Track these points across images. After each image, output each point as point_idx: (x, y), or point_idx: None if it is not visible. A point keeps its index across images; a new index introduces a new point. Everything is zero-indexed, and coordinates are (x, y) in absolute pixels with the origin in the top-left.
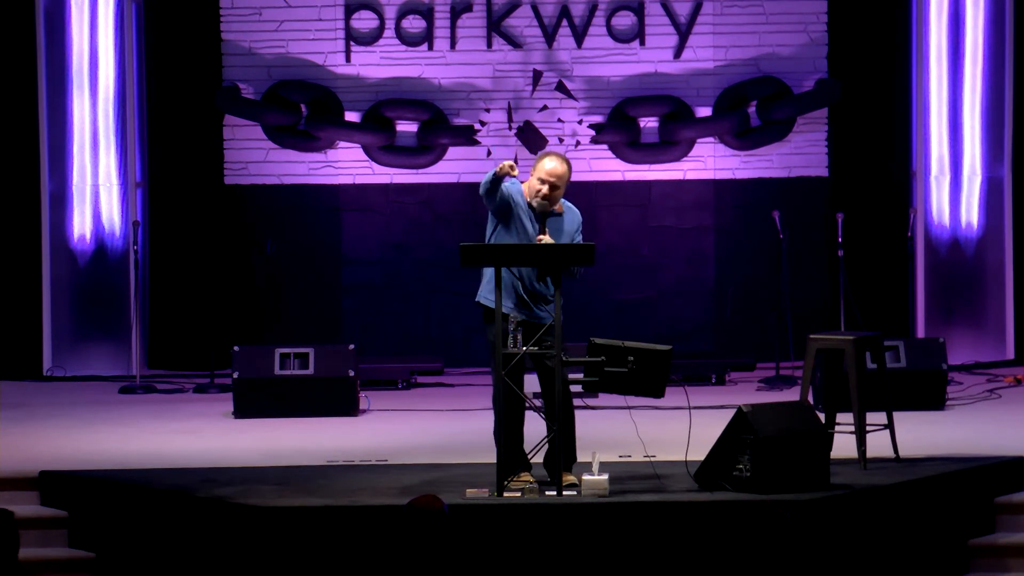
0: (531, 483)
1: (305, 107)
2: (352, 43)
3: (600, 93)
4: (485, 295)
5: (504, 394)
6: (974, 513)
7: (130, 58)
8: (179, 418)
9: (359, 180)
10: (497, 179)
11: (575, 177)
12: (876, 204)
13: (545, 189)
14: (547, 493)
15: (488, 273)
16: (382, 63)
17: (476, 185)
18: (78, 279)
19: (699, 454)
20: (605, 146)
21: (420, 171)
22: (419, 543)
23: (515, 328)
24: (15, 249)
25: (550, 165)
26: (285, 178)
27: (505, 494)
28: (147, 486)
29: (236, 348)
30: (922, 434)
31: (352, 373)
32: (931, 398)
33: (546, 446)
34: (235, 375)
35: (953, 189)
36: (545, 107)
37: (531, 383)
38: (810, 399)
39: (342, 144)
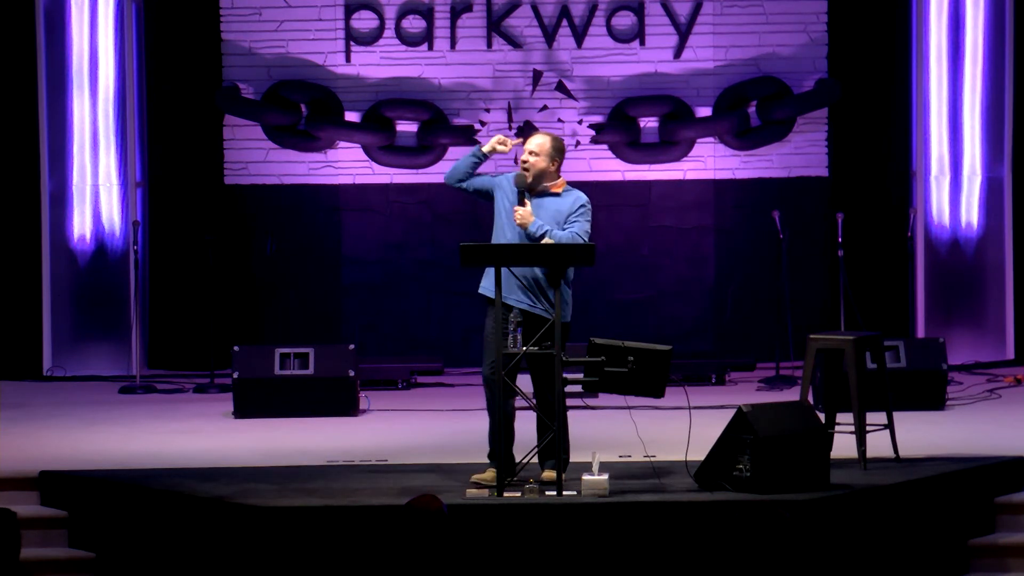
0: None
1: (305, 107)
2: (352, 43)
3: (600, 93)
4: (486, 285)
5: (497, 391)
6: (974, 513)
7: (130, 58)
8: (179, 418)
9: (359, 180)
10: (474, 162)
11: (575, 177)
12: (876, 204)
13: (522, 158)
14: (547, 493)
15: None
16: (382, 63)
17: None
18: (78, 279)
19: (699, 454)
20: (605, 146)
21: (420, 171)
22: (419, 543)
23: (515, 328)
24: (15, 249)
25: (531, 138)
26: (285, 178)
27: (506, 493)
28: (147, 486)
29: (236, 348)
30: (922, 434)
31: (352, 373)
32: (931, 398)
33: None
34: (235, 375)
35: (953, 189)
36: (545, 107)
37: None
38: (810, 399)
39: (342, 144)
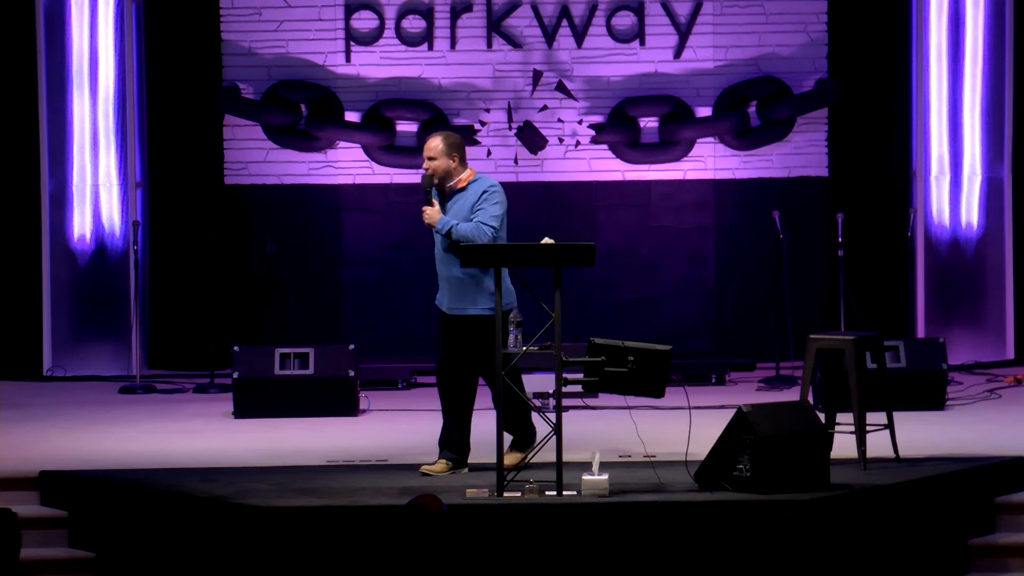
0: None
1: (305, 107)
2: (352, 43)
3: (600, 93)
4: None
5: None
6: (974, 513)
7: (130, 58)
8: (179, 418)
9: (359, 180)
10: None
11: (576, 177)
12: (876, 204)
13: (426, 163)
14: (547, 493)
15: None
16: (382, 63)
17: None
18: (78, 279)
19: (699, 454)
20: (605, 146)
21: (420, 171)
22: (419, 543)
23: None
24: (15, 249)
25: (425, 143)
26: (285, 178)
27: (506, 493)
28: (147, 486)
29: (236, 348)
30: (922, 434)
31: (352, 373)
32: (931, 398)
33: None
34: (235, 375)
35: (953, 189)
36: (545, 107)
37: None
38: (810, 399)
39: (342, 144)
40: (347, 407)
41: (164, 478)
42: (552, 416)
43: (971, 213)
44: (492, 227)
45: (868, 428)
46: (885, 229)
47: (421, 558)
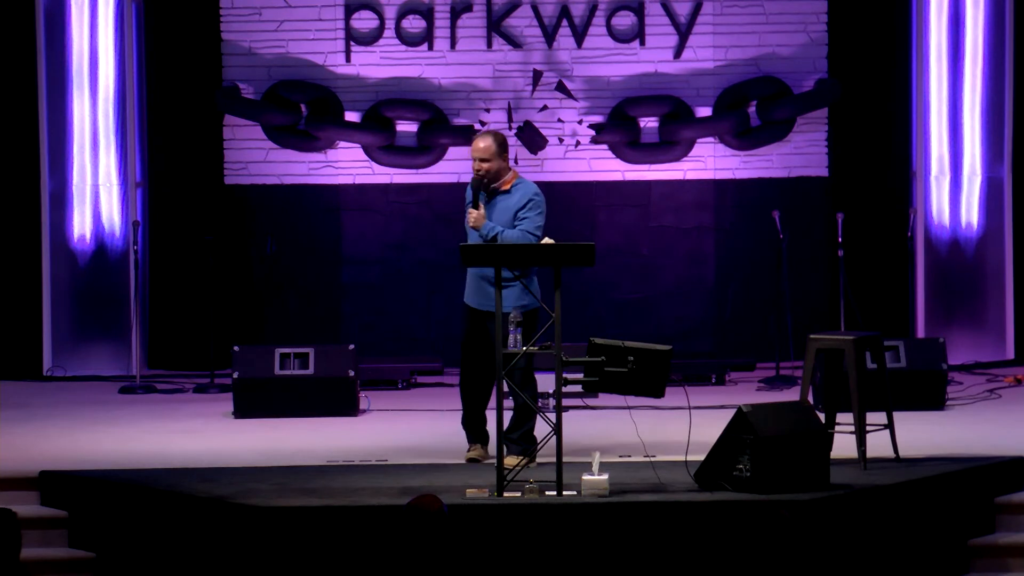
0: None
1: (305, 107)
2: (352, 43)
3: (600, 93)
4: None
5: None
6: (974, 513)
7: (130, 58)
8: (179, 418)
9: (359, 180)
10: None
11: (576, 177)
12: (876, 204)
13: (474, 166)
14: (547, 493)
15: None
16: (382, 63)
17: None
18: (78, 279)
19: (699, 454)
20: (605, 146)
21: (420, 171)
22: (419, 543)
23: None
24: (15, 249)
25: (475, 144)
26: (285, 178)
27: (506, 493)
28: (147, 486)
29: (236, 348)
30: (922, 434)
31: (352, 373)
32: (931, 398)
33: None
34: (235, 375)
35: (953, 189)
36: (545, 107)
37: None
38: (810, 399)
39: (342, 144)
40: (347, 407)
41: (164, 478)
42: (552, 416)
43: (971, 213)
44: (536, 237)
45: (868, 428)
46: (885, 229)
47: (421, 558)
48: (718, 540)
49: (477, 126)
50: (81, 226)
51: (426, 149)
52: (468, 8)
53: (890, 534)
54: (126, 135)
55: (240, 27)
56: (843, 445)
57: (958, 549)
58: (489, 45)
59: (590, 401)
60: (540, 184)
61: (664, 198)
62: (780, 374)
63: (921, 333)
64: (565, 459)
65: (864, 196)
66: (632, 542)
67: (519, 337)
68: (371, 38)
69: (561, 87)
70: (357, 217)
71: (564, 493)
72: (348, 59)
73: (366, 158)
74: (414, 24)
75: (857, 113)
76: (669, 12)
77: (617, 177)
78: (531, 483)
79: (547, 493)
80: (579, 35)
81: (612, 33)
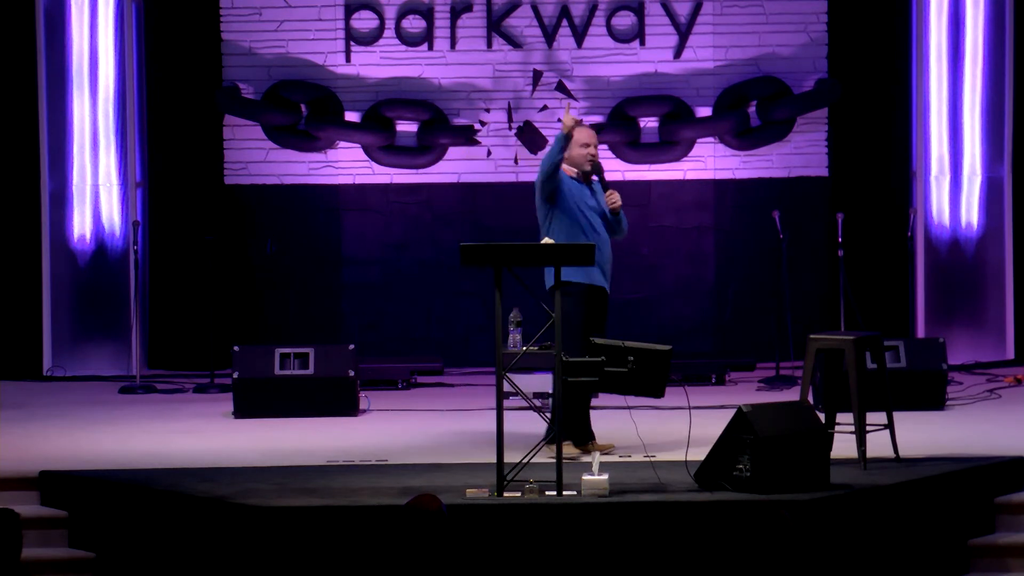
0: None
1: (305, 107)
2: (352, 43)
3: (600, 93)
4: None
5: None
6: (974, 513)
7: (130, 58)
8: (179, 418)
9: (359, 180)
10: (562, 147)
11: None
12: (876, 204)
13: (593, 151)
14: (547, 493)
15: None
16: (382, 63)
17: (475, 185)
18: (78, 279)
19: (699, 454)
20: (605, 146)
21: (420, 171)
22: (418, 543)
23: (515, 327)
24: (15, 249)
25: (586, 131)
26: (285, 178)
27: (506, 493)
28: (147, 486)
29: (236, 348)
30: (922, 434)
31: (352, 373)
32: (931, 398)
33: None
34: (235, 375)
35: (953, 189)
36: (545, 107)
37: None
38: (810, 399)
39: (342, 144)
40: (347, 407)
41: (164, 478)
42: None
43: (971, 213)
44: None
45: (868, 428)
46: (885, 229)
47: (421, 558)
48: (718, 540)
49: (477, 126)
50: (81, 226)
51: (426, 149)
52: (468, 8)
53: (890, 534)
54: (126, 135)
55: (240, 27)
56: (843, 445)
57: (958, 549)
58: (489, 45)
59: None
60: None
61: (664, 198)
62: (780, 374)
63: (921, 333)
64: (565, 459)
65: (864, 196)
66: (632, 542)
67: (519, 337)
68: (371, 38)
69: (561, 87)
70: (357, 217)
71: (564, 493)
72: (348, 59)
73: (366, 158)
74: (414, 24)
75: (857, 113)
76: (669, 12)
77: (617, 177)
78: (531, 483)
79: (547, 493)
80: (579, 35)
81: (612, 33)
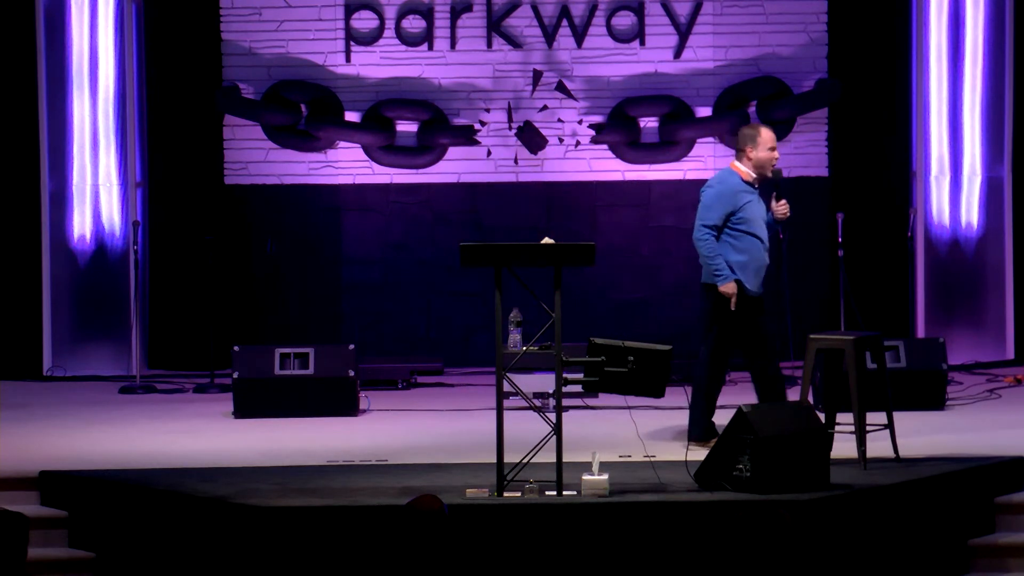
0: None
1: (305, 107)
2: (352, 43)
3: (600, 93)
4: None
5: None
6: (974, 513)
7: (130, 58)
8: (179, 418)
9: (359, 180)
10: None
11: (576, 177)
12: (876, 204)
13: (775, 155)
14: (547, 493)
15: (735, 256)
16: (382, 63)
17: (475, 185)
18: (78, 279)
19: (699, 454)
20: (605, 146)
21: (420, 171)
22: (419, 543)
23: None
24: (15, 249)
25: (771, 132)
26: (285, 178)
27: (506, 493)
28: (147, 486)
29: (236, 348)
30: (922, 434)
31: (352, 373)
32: (931, 398)
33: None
34: (235, 375)
35: (953, 189)
36: (545, 107)
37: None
38: (810, 399)
39: (342, 144)
40: (347, 407)
41: (164, 478)
42: (552, 416)
43: (971, 213)
44: None
45: (868, 428)
46: (885, 229)
47: (421, 558)
48: (718, 540)
49: (477, 126)
50: (81, 226)
51: (426, 149)
52: (468, 8)
53: (890, 534)
54: (126, 135)
55: (240, 27)
56: (843, 445)
57: (958, 549)
58: (489, 45)
59: (590, 401)
60: (540, 184)
61: (664, 198)
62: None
63: (921, 333)
64: (565, 459)
65: (864, 196)
66: (632, 542)
67: (519, 337)
68: (371, 38)
69: (561, 87)
70: (357, 217)
71: (564, 493)
72: (348, 59)
73: (366, 158)
74: (414, 24)
75: (857, 113)
76: (669, 12)
77: (617, 177)
78: (531, 483)
79: (547, 493)
80: (579, 35)
81: (612, 33)
